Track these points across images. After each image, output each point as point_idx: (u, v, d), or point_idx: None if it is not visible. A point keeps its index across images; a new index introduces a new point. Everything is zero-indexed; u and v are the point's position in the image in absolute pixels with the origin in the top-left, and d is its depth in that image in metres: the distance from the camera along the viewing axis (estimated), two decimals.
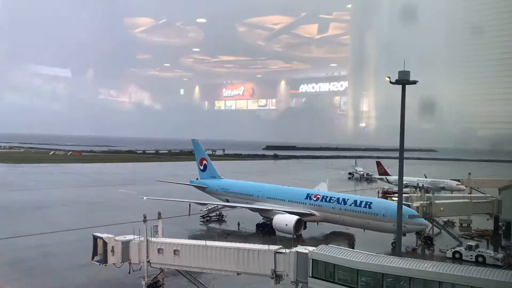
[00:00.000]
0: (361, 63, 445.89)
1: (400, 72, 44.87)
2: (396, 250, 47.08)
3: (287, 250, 33.16)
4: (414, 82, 45.12)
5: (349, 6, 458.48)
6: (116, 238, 37.88)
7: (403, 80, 44.59)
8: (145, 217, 37.54)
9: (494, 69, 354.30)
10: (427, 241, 59.94)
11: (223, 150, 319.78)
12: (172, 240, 38.13)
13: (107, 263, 37.32)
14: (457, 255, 52.61)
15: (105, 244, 37.05)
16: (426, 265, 29.05)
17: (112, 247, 37.18)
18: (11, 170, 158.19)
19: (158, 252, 37.13)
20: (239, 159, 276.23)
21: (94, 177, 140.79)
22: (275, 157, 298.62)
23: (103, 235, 37.69)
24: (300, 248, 33.16)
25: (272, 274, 33.35)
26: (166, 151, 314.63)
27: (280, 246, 34.05)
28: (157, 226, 38.68)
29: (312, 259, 31.84)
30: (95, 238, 37.73)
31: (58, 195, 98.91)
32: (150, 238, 37.50)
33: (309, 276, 31.90)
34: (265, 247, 34.07)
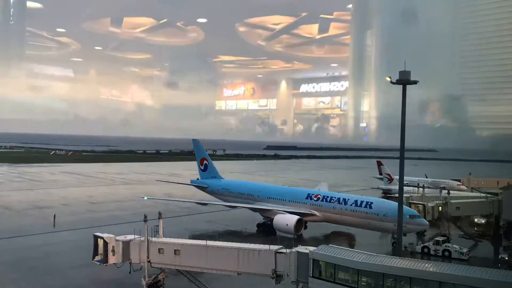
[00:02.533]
0: (361, 63, 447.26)
1: (400, 72, 44.92)
2: (396, 250, 47.12)
3: (288, 250, 33.19)
4: (415, 82, 45.17)
5: (350, 6, 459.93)
6: (117, 238, 37.87)
7: (404, 80, 44.63)
8: (145, 217, 37.58)
9: (494, 69, 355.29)
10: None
11: (224, 150, 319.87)
12: (172, 240, 38.17)
13: (107, 263, 37.27)
14: (425, 250, 55.59)
15: (105, 244, 37.01)
16: (426, 265, 29.08)
17: (113, 247, 37.17)
18: (11, 170, 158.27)
19: (159, 252, 37.13)
20: (239, 159, 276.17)
21: (95, 177, 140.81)
22: (276, 157, 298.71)
23: (104, 235, 37.69)
24: (301, 248, 33.20)
25: (273, 274, 33.36)
26: (167, 151, 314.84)
27: (281, 246, 34.06)
28: (158, 226, 38.67)
29: (313, 259, 31.85)
30: (96, 238, 37.75)
31: (59, 195, 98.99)
32: (150, 238, 37.50)
33: (310, 276, 31.90)
34: (266, 247, 34.09)
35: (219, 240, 37.11)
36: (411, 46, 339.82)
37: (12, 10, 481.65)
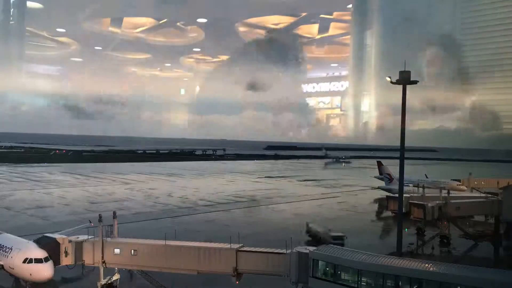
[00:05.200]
0: (361, 63, 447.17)
1: (401, 72, 44.98)
2: (396, 250, 47.11)
3: (288, 251, 33.21)
4: (415, 82, 45.25)
5: (350, 6, 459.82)
6: (70, 238, 37.35)
7: (404, 80, 44.68)
8: (100, 217, 36.94)
9: (494, 69, 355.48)
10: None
11: (224, 150, 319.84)
12: (129, 240, 37.94)
13: (59, 264, 36.46)
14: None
15: (58, 245, 36.25)
16: (426, 265, 29.10)
17: (65, 248, 36.34)
18: (11, 170, 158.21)
19: (115, 252, 36.55)
20: (239, 159, 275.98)
21: (95, 177, 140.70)
22: (276, 157, 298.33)
23: (56, 236, 37.26)
24: (301, 248, 33.24)
25: (234, 272, 33.70)
26: (167, 151, 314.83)
27: (241, 245, 34.59)
28: (112, 226, 37.95)
29: (313, 259, 31.88)
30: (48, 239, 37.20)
31: (59, 195, 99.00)
32: (106, 238, 36.83)
33: (310, 276, 31.93)
34: (227, 245, 34.60)
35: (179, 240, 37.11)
36: (411, 46, 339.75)
37: (12, 10, 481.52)
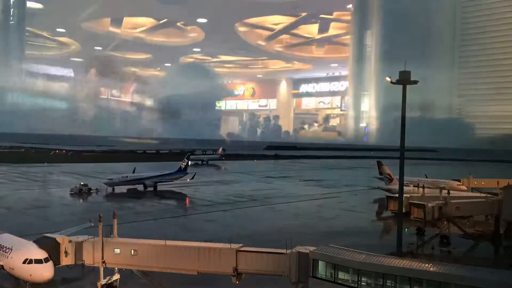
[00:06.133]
0: (361, 63, 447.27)
1: (401, 72, 45.04)
2: (396, 250, 47.13)
3: (288, 251, 33.22)
4: (415, 82, 45.30)
5: (350, 6, 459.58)
6: (70, 238, 37.49)
7: (404, 80, 44.73)
8: (100, 217, 37.02)
9: (494, 69, 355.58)
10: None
11: (224, 150, 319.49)
12: (129, 240, 38.00)
13: (60, 264, 36.57)
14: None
15: (58, 245, 36.33)
16: (426, 265, 29.10)
17: (65, 248, 36.42)
18: (11, 170, 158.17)
19: (115, 252, 36.61)
20: (239, 159, 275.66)
21: (95, 177, 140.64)
22: (276, 157, 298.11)
23: (56, 236, 37.36)
24: (301, 248, 33.26)
25: (234, 272, 33.72)
26: (167, 151, 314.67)
27: (241, 244, 34.64)
28: (112, 226, 38.02)
29: (313, 259, 31.89)
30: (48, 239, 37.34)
31: (58, 195, 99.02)
32: (106, 238, 36.91)
33: (310, 276, 31.95)
34: (227, 245, 34.64)
35: (178, 240, 37.16)
36: (411, 46, 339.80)
37: (12, 10, 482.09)
